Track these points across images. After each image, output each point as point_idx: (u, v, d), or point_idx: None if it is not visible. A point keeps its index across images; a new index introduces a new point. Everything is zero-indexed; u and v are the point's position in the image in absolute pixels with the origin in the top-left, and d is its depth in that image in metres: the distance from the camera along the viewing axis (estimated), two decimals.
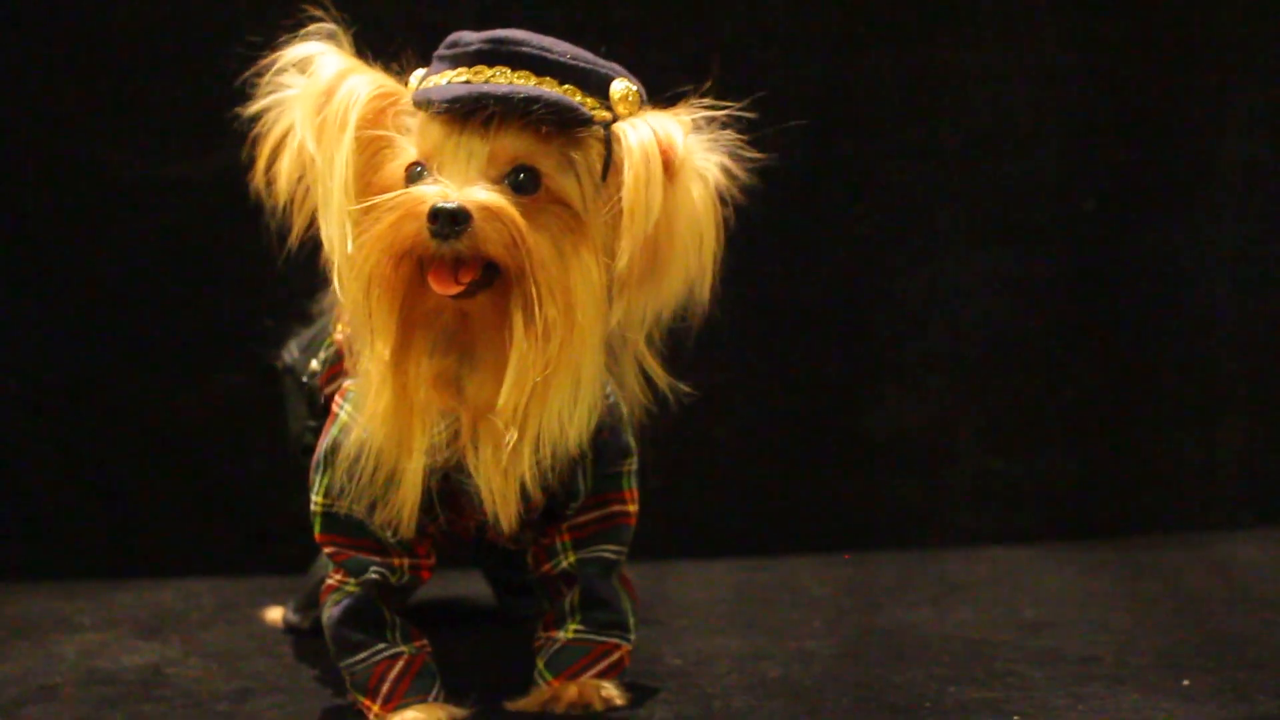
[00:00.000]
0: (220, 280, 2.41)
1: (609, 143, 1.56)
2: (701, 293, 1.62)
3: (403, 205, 1.53)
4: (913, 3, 2.47)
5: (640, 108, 1.58)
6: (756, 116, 1.60)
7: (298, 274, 1.80)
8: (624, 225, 1.53)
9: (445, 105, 1.54)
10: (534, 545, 1.73)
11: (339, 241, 1.56)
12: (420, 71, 1.61)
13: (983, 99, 2.49)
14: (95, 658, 1.97)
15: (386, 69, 1.62)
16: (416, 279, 1.55)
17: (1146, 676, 1.79)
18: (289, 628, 2.07)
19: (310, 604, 1.99)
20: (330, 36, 1.61)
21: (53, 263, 2.41)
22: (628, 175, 1.53)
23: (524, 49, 1.55)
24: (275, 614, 2.10)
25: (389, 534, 1.65)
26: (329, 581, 1.69)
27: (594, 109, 1.56)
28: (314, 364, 1.82)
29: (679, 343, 1.67)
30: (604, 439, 1.67)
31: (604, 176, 1.57)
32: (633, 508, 1.73)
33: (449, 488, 1.64)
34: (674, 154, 1.55)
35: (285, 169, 1.61)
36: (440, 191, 1.53)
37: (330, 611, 1.68)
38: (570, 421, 1.57)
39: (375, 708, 1.66)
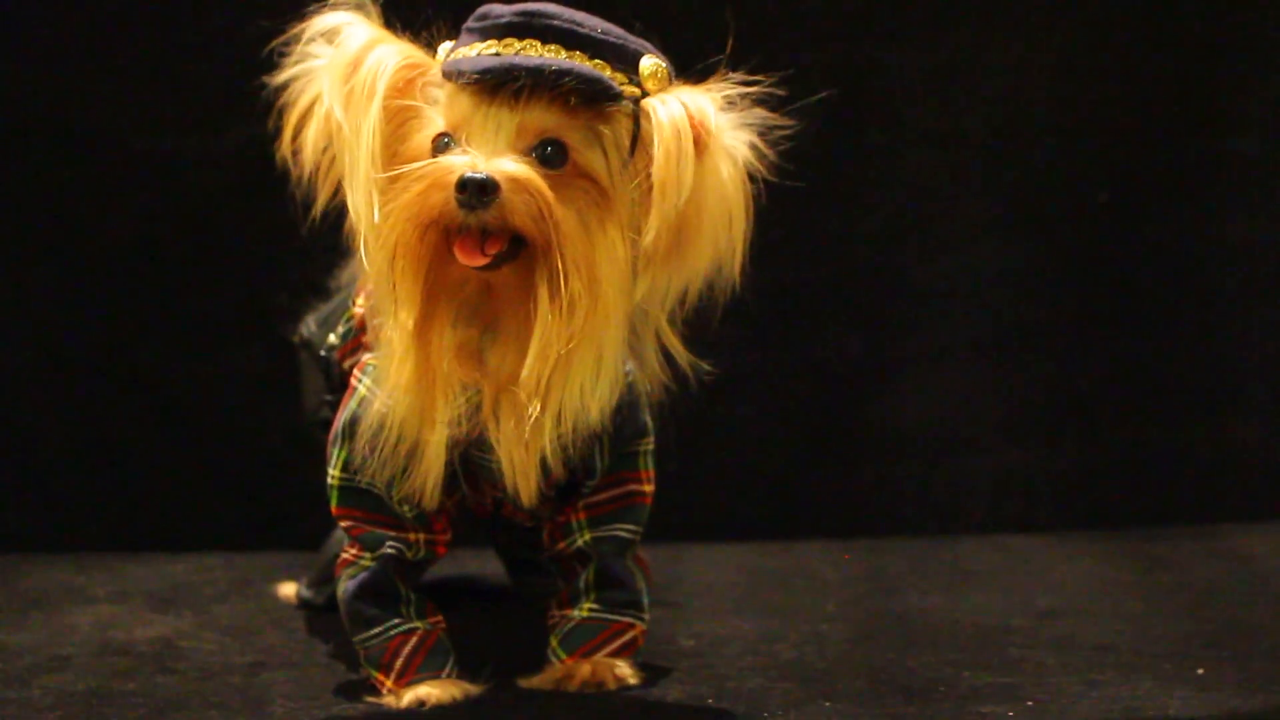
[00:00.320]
0: (238, 254, 2.41)
1: (637, 118, 1.56)
2: (730, 272, 1.62)
3: (430, 175, 1.53)
4: None
5: (669, 84, 1.58)
6: (785, 94, 1.59)
7: (317, 249, 1.80)
8: (653, 201, 1.53)
9: (475, 76, 1.54)
10: (549, 523, 1.73)
11: (365, 210, 1.56)
12: (448, 44, 1.60)
13: (1001, 90, 2.49)
14: (109, 630, 1.97)
15: (415, 40, 1.61)
16: (442, 249, 1.54)
17: (1161, 665, 1.78)
18: (302, 603, 2.07)
19: (324, 580, 1.99)
20: (359, 7, 1.61)
21: (69, 235, 2.41)
22: (658, 151, 1.53)
23: (555, 22, 1.55)
24: (289, 589, 2.10)
25: (408, 508, 1.65)
26: (344, 556, 1.69)
27: (623, 84, 1.56)
28: (332, 337, 1.82)
29: (699, 324, 1.67)
30: (622, 417, 1.67)
31: (631, 152, 1.56)
32: (649, 487, 1.73)
33: (468, 463, 1.64)
34: (705, 130, 1.55)
35: (311, 138, 1.61)
36: (468, 162, 1.53)
37: (345, 586, 1.68)
38: (592, 395, 1.57)
39: (389, 683, 1.66)
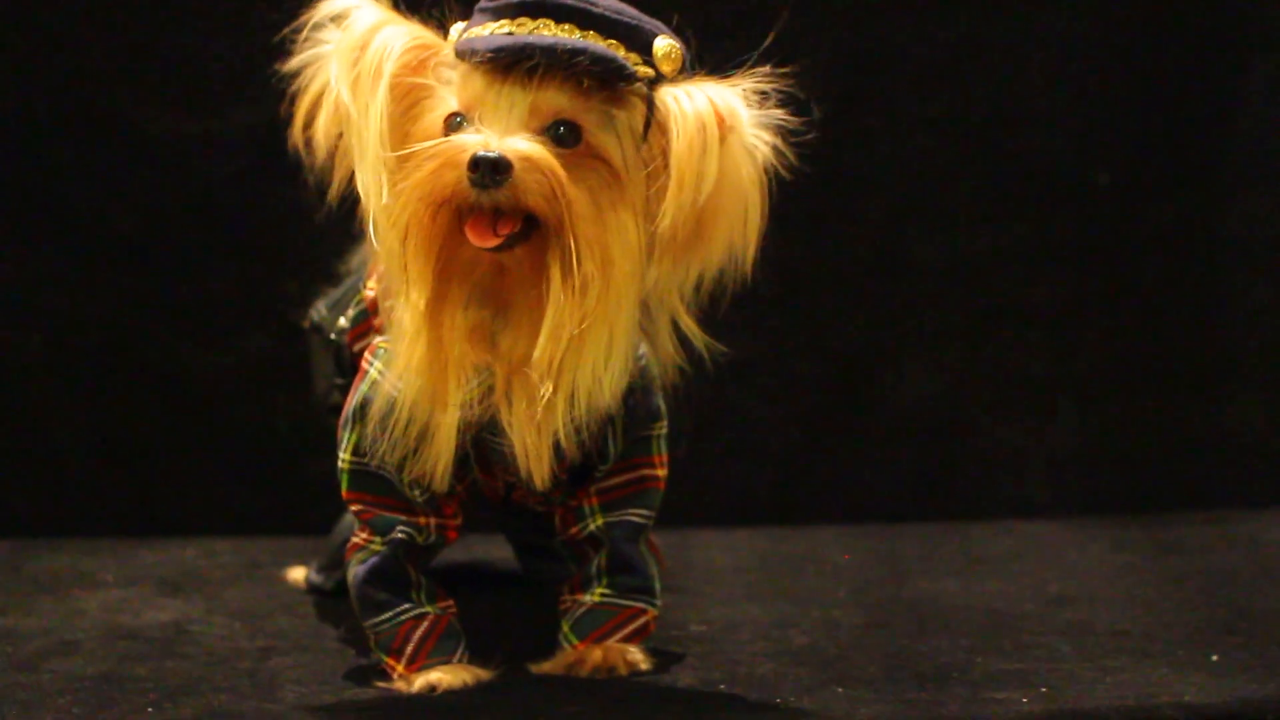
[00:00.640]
0: (248, 238, 2.41)
1: (651, 101, 1.55)
2: (744, 263, 1.61)
3: (443, 154, 1.52)
4: None
5: (683, 67, 1.57)
6: (799, 88, 1.59)
7: (327, 233, 1.79)
8: (671, 191, 1.52)
9: (489, 55, 1.53)
10: (561, 508, 1.72)
11: (374, 191, 1.55)
12: (461, 24, 1.59)
13: (1002, 72, 2.49)
14: (118, 614, 1.97)
15: (426, 21, 1.60)
16: (454, 229, 1.54)
17: (1175, 651, 1.77)
18: (311, 588, 2.06)
19: (333, 565, 1.98)
20: None
21: (78, 219, 2.40)
22: (680, 143, 1.52)
23: (568, 2, 1.54)
24: (298, 574, 2.10)
25: (418, 492, 1.64)
26: (354, 540, 1.68)
27: (637, 65, 1.55)
28: (342, 321, 1.82)
29: (708, 308, 1.66)
30: (635, 401, 1.66)
31: (645, 134, 1.56)
32: (662, 472, 1.72)
33: (480, 447, 1.64)
34: (729, 126, 1.54)
35: (323, 125, 1.60)
36: (481, 140, 1.52)
37: (355, 570, 1.67)
38: (604, 376, 1.56)
39: (399, 668, 1.65)
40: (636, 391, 1.66)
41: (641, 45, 1.56)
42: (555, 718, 1.56)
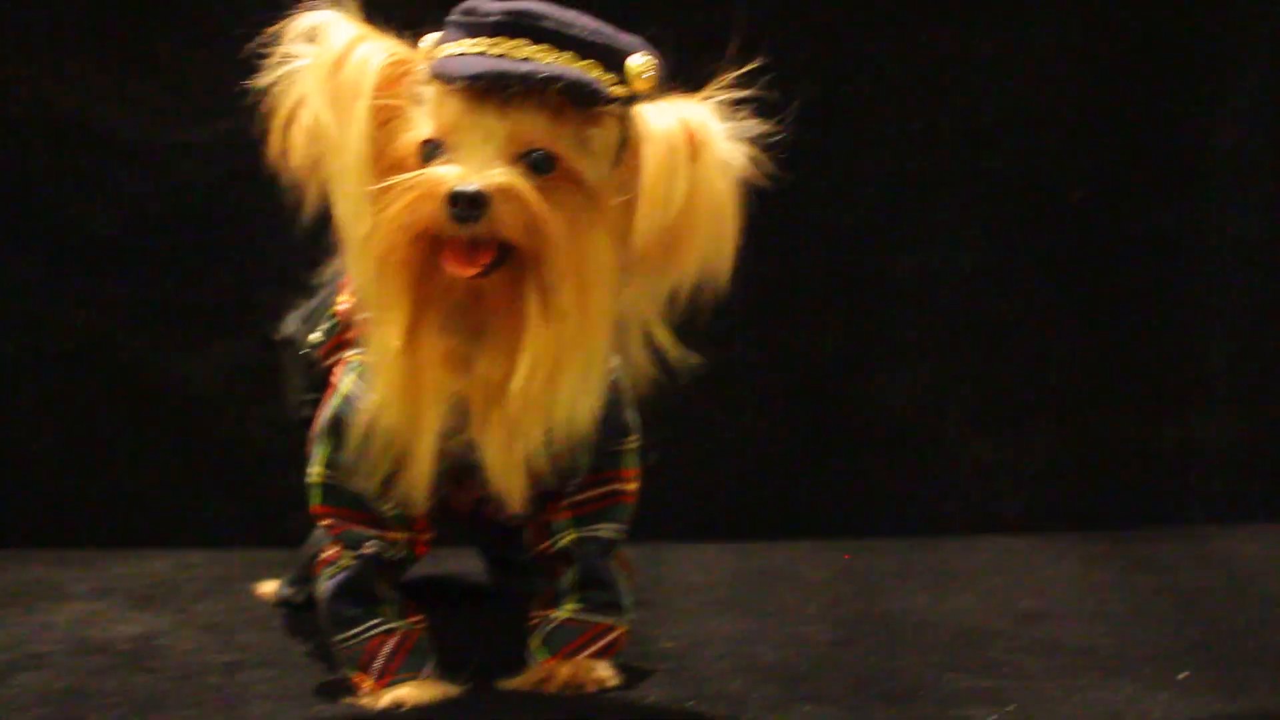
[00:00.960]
0: (223, 247, 2.40)
1: (626, 121, 1.54)
2: (721, 276, 1.60)
3: (421, 185, 1.51)
4: None
5: (658, 83, 1.56)
6: (774, 98, 1.59)
7: (303, 244, 1.79)
8: (641, 211, 1.51)
9: (465, 82, 1.52)
10: (532, 523, 1.72)
11: (353, 218, 1.54)
12: (432, 36, 1.58)
13: (979, 86, 2.49)
14: (87, 627, 1.96)
15: (399, 34, 1.60)
16: (430, 258, 1.53)
17: (1143, 669, 1.78)
18: (282, 601, 2.06)
19: (304, 578, 1.98)
20: (338, 3, 1.59)
21: (54, 225, 2.40)
22: (650, 162, 1.51)
23: (544, 22, 1.53)
24: (269, 587, 2.10)
25: (389, 507, 1.64)
26: (324, 555, 1.68)
27: (612, 85, 1.54)
28: (314, 335, 1.81)
29: (687, 321, 1.66)
30: (606, 415, 1.65)
31: (620, 153, 1.55)
32: (633, 486, 1.72)
33: (453, 464, 1.63)
34: (700, 142, 1.53)
35: (298, 141, 1.59)
36: (459, 174, 1.51)
37: (325, 585, 1.67)
38: (581, 403, 1.55)
39: (368, 683, 1.65)
40: (608, 406, 1.65)
41: (617, 64, 1.55)
42: None
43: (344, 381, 1.65)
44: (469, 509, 1.72)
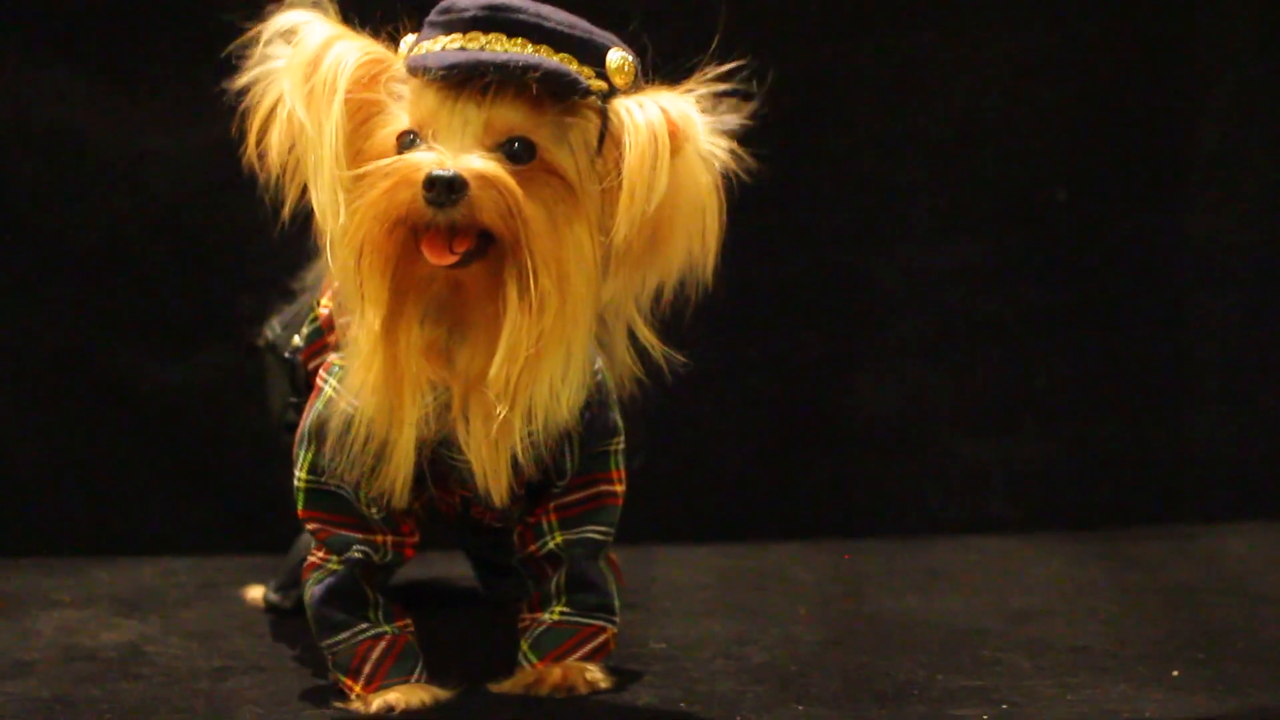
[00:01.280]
0: (204, 255, 2.39)
1: (605, 113, 1.54)
2: (703, 273, 1.60)
3: (397, 172, 1.52)
4: None
5: (636, 79, 1.57)
6: (753, 95, 1.59)
7: (283, 249, 1.78)
8: (623, 204, 1.52)
9: (441, 72, 1.52)
10: (520, 525, 1.71)
11: (330, 209, 1.54)
12: (411, 37, 1.59)
13: (961, 88, 2.49)
14: (74, 634, 1.95)
15: (375, 35, 1.60)
16: (409, 247, 1.53)
17: (1136, 667, 1.77)
18: (270, 607, 2.05)
19: (291, 583, 1.97)
20: (315, 4, 1.59)
21: (34, 234, 2.39)
22: (632, 155, 1.52)
23: (520, 16, 1.53)
24: (256, 593, 2.09)
25: (375, 510, 1.63)
26: (311, 559, 1.67)
27: (590, 78, 1.54)
28: (296, 339, 1.81)
29: (672, 320, 1.66)
30: (591, 415, 1.65)
31: (599, 147, 1.55)
32: (620, 488, 1.71)
33: (436, 463, 1.63)
34: (683, 135, 1.53)
35: (276, 142, 1.59)
36: (436, 159, 1.51)
37: (312, 590, 1.66)
38: (562, 393, 1.55)
39: (357, 688, 1.64)
40: (593, 406, 1.65)
41: (594, 58, 1.55)
42: None
43: (326, 385, 1.64)
44: (455, 511, 1.72)
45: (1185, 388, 2.57)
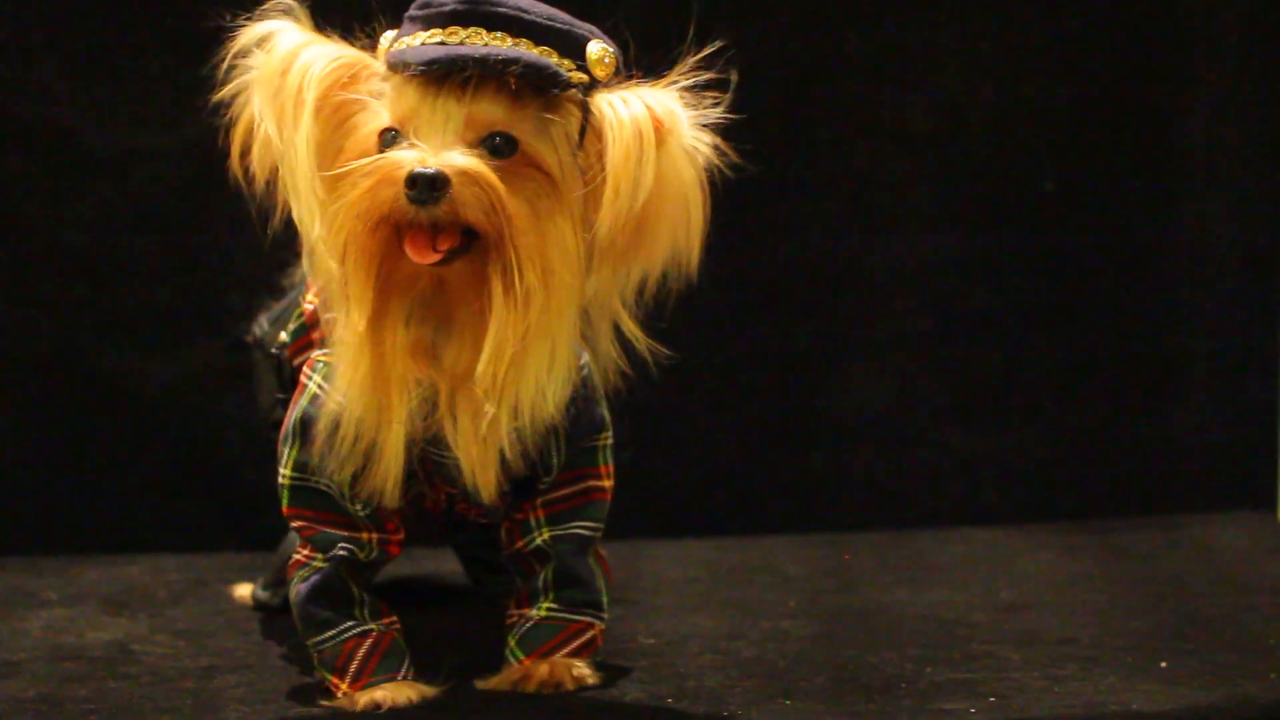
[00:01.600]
0: (192, 252, 2.39)
1: (586, 106, 1.54)
2: (687, 266, 1.60)
3: (379, 170, 1.51)
4: None
5: (618, 71, 1.56)
6: (739, 87, 1.58)
7: (272, 247, 1.78)
8: (607, 198, 1.52)
9: (421, 68, 1.52)
10: (507, 521, 1.71)
11: (309, 219, 1.54)
12: (391, 33, 1.58)
13: (949, 80, 2.49)
14: (61, 633, 1.95)
15: (351, 37, 1.59)
16: (393, 245, 1.53)
17: (1124, 658, 1.77)
18: (258, 605, 2.05)
19: (279, 581, 1.96)
20: (287, 12, 1.58)
21: (22, 232, 2.38)
22: (615, 149, 1.52)
23: (500, 9, 1.53)
24: (244, 591, 2.08)
25: (361, 507, 1.63)
26: (296, 557, 1.67)
27: (571, 71, 1.54)
28: (283, 335, 1.80)
29: (657, 313, 1.66)
30: (578, 410, 1.65)
31: (581, 140, 1.55)
32: (608, 483, 1.71)
33: (423, 460, 1.62)
34: (667, 129, 1.53)
35: (257, 154, 1.58)
36: (417, 156, 1.51)
37: (298, 588, 1.66)
38: (548, 388, 1.55)
39: (344, 686, 1.64)
40: (579, 401, 1.65)
41: (575, 51, 1.55)
42: None
43: (310, 382, 1.64)
44: (443, 508, 1.71)
45: (1174, 379, 2.57)
